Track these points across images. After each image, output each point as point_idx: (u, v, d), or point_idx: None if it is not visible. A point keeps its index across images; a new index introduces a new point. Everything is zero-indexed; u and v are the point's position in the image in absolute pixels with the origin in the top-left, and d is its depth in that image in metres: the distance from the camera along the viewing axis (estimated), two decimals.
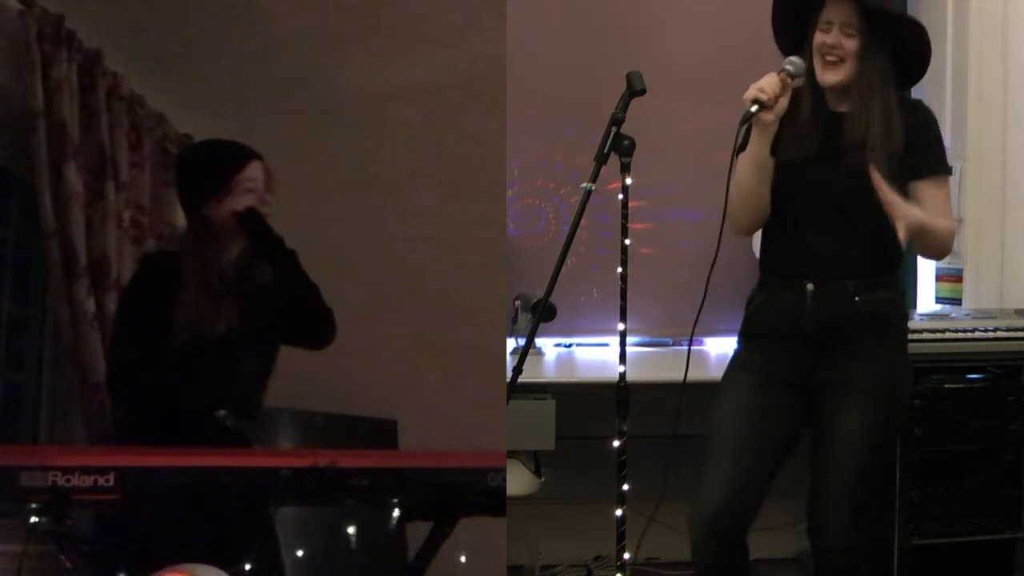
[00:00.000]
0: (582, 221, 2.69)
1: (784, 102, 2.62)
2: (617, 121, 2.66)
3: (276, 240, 2.64)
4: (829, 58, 2.63)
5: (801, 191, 2.68)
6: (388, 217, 3.16)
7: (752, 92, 2.59)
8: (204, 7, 3.00)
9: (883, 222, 2.59)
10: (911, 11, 4.08)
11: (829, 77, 2.64)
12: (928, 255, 2.91)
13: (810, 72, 2.68)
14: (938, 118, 2.83)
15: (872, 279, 2.68)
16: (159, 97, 3.24)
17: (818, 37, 2.65)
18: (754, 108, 2.58)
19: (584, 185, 2.66)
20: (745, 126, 2.63)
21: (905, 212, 2.54)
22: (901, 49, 2.67)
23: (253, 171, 2.68)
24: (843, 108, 2.68)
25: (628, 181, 2.64)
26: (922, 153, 2.69)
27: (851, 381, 2.66)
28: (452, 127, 3.26)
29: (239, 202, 2.64)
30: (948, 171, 2.76)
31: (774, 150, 2.66)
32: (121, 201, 3.00)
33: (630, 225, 2.67)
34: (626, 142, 2.64)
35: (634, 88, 2.67)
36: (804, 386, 2.69)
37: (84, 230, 2.83)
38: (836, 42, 2.62)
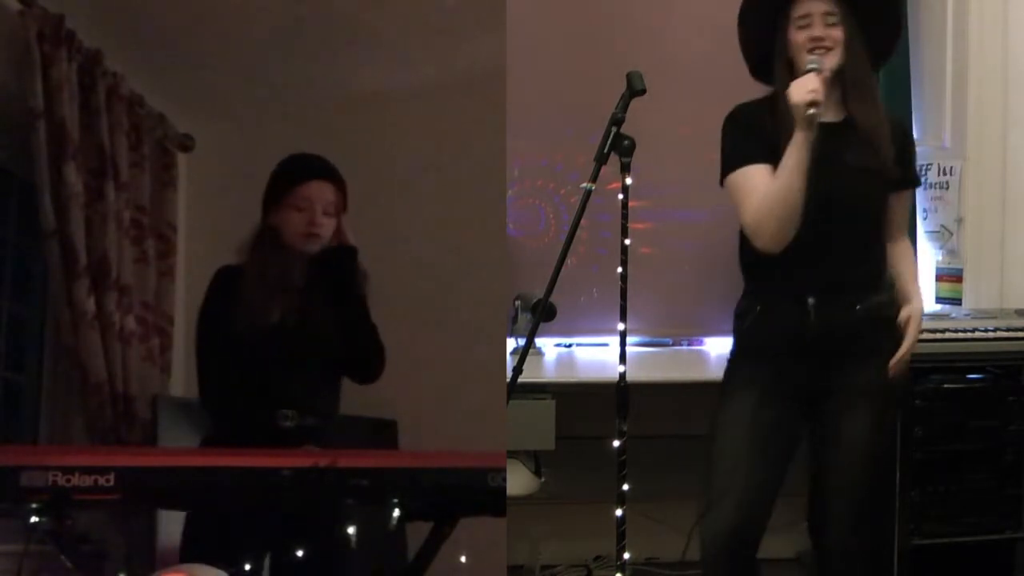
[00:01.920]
0: (582, 221, 2.69)
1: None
2: (617, 121, 2.66)
3: (352, 281, 2.70)
4: (817, 51, 2.55)
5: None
6: (388, 217, 3.15)
7: (806, 95, 2.47)
8: (204, 7, 3.00)
9: (876, 227, 2.62)
10: (911, 11, 4.09)
11: (823, 64, 2.55)
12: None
13: (788, 78, 2.58)
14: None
15: (869, 285, 2.67)
16: (159, 97, 3.24)
17: (798, 35, 2.59)
18: (812, 111, 2.47)
19: (584, 185, 2.66)
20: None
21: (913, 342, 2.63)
22: (874, 25, 2.62)
23: (310, 190, 2.67)
24: (830, 116, 2.60)
25: (628, 181, 2.64)
26: (904, 164, 2.67)
27: (854, 384, 2.65)
28: (452, 127, 3.26)
29: (288, 217, 2.65)
30: (919, 181, 2.75)
31: (772, 162, 2.57)
32: (121, 201, 3.00)
33: (630, 225, 2.67)
34: (626, 142, 2.64)
35: (634, 88, 2.67)
36: (806, 392, 2.68)
37: (84, 230, 2.83)
38: (823, 34, 2.57)
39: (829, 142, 2.56)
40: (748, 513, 2.65)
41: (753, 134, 2.63)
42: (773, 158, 2.56)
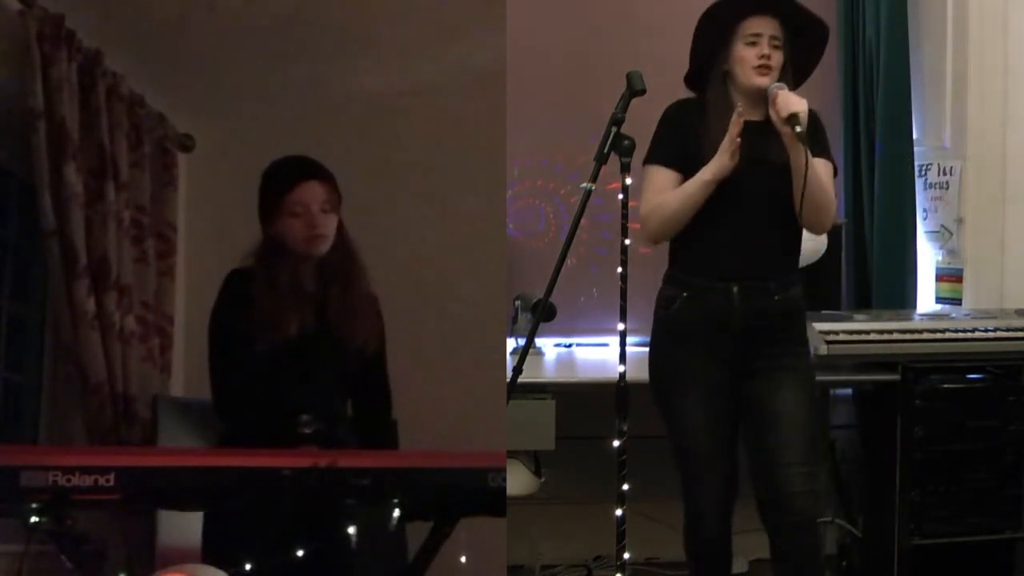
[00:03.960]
0: (582, 221, 2.70)
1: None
2: (617, 121, 2.66)
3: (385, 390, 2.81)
4: (762, 68, 2.75)
5: (726, 198, 2.75)
6: (387, 217, 3.15)
7: (802, 105, 2.68)
8: (204, 8, 3.00)
9: (795, 223, 2.80)
10: (911, 12, 4.09)
11: (763, 82, 2.74)
12: (811, 215, 2.78)
13: (722, 87, 2.81)
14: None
15: (787, 277, 2.85)
16: (159, 97, 3.23)
17: (746, 50, 2.77)
18: (799, 128, 2.66)
19: (584, 185, 2.67)
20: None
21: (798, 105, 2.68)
22: (803, 55, 2.85)
23: (302, 193, 2.65)
24: (755, 116, 2.77)
25: (628, 181, 2.65)
26: (814, 139, 2.78)
27: (775, 364, 2.81)
28: (452, 127, 3.26)
29: (287, 224, 2.64)
30: (832, 158, 2.91)
31: (697, 165, 2.76)
32: (121, 201, 2.99)
33: (630, 225, 2.67)
34: (626, 142, 2.65)
35: (634, 88, 2.67)
36: (734, 378, 2.83)
37: (84, 230, 2.83)
38: (770, 53, 2.76)
39: (754, 140, 2.73)
40: (722, 509, 2.85)
41: (677, 137, 2.83)
42: (684, 165, 2.79)
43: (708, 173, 2.72)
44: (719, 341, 2.79)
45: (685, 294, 2.83)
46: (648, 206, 2.81)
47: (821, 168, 2.78)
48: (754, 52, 2.76)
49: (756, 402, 2.82)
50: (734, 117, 2.67)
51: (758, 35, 2.77)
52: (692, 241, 2.82)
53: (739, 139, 2.67)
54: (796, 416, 2.79)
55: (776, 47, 2.77)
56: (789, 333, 2.84)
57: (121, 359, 2.92)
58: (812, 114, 2.83)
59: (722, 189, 2.74)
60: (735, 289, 2.77)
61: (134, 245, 3.07)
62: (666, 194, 2.79)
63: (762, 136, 2.74)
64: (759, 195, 2.77)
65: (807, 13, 2.83)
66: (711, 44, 2.83)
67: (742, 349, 2.80)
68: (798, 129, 2.64)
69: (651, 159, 2.85)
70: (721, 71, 2.83)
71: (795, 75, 2.83)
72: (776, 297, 2.80)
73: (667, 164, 2.82)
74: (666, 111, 2.89)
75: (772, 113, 2.71)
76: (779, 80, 2.76)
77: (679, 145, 2.82)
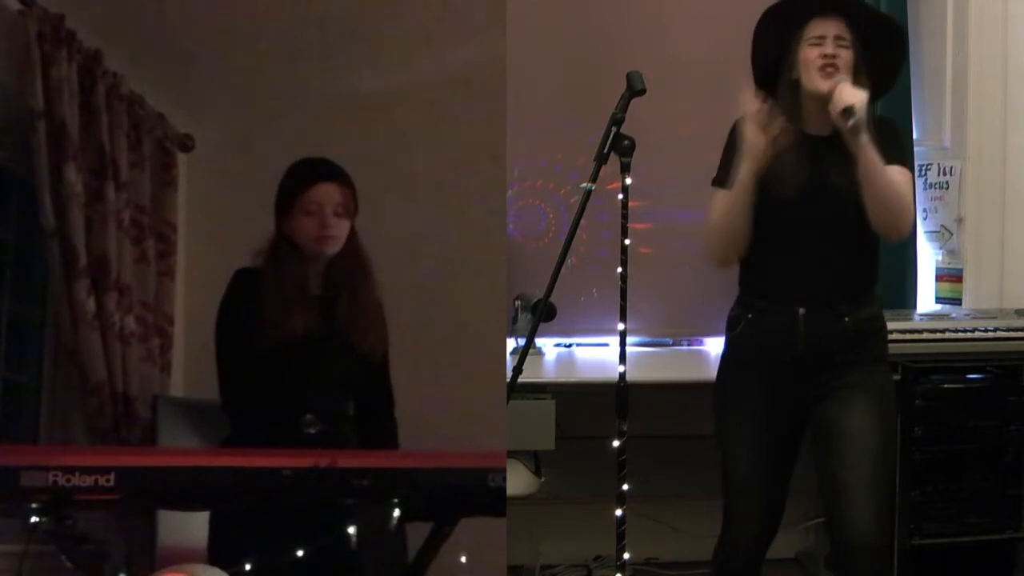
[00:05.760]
0: (582, 221, 2.70)
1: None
2: (617, 121, 2.66)
3: (389, 394, 2.79)
4: (828, 68, 2.63)
5: (791, 219, 2.67)
6: (387, 217, 3.15)
7: (857, 97, 2.56)
8: (204, 8, 3.00)
9: (866, 242, 2.68)
10: (911, 12, 4.09)
11: (827, 85, 2.62)
12: (883, 220, 2.67)
13: (791, 98, 2.68)
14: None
15: (858, 298, 2.72)
16: (159, 97, 3.23)
17: (811, 51, 2.65)
18: (852, 120, 2.54)
19: (584, 185, 2.67)
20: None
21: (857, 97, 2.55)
22: (880, 59, 2.71)
23: (318, 193, 2.68)
24: (824, 131, 2.67)
25: (628, 181, 2.65)
26: (891, 146, 2.68)
27: (848, 384, 2.69)
28: (452, 127, 3.25)
29: (299, 223, 2.67)
30: (913, 167, 2.83)
31: (761, 186, 2.65)
32: (121, 201, 2.99)
33: (630, 225, 2.67)
34: (626, 142, 2.65)
35: (634, 88, 2.67)
36: (800, 403, 2.73)
37: (84, 230, 2.83)
38: (835, 52, 2.63)
39: (818, 157, 2.63)
40: (760, 540, 2.79)
41: (737, 154, 2.68)
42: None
43: (744, 167, 2.62)
44: (781, 368, 2.71)
45: (749, 315, 2.76)
46: (707, 226, 2.74)
47: (896, 173, 2.64)
48: (817, 51, 2.64)
49: (824, 422, 2.72)
50: (764, 107, 2.60)
51: (821, 36, 2.65)
52: (755, 264, 2.76)
53: (763, 111, 2.59)
54: (861, 436, 2.67)
55: (843, 46, 2.65)
56: (862, 353, 2.71)
57: (121, 359, 2.92)
58: (887, 121, 2.76)
59: (784, 211, 2.66)
60: (800, 312, 2.68)
61: (134, 245, 3.07)
62: (720, 207, 2.70)
63: (832, 153, 2.65)
64: (824, 216, 2.67)
65: (874, 11, 2.73)
66: (773, 48, 2.73)
67: (810, 372, 2.70)
68: (851, 122, 2.53)
69: (715, 181, 2.77)
70: (789, 79, 2.70)
71: (874, 80, 2.69)
72: (846, 319, 2.68)
73: (725, 186, 2.72)
74: (733, 126, 2.76)
75: (832, 112, 2.59)
76: (855, 84, 2.62)
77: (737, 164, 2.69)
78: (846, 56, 2.65)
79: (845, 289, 2.71)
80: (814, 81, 2.65)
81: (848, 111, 2.53)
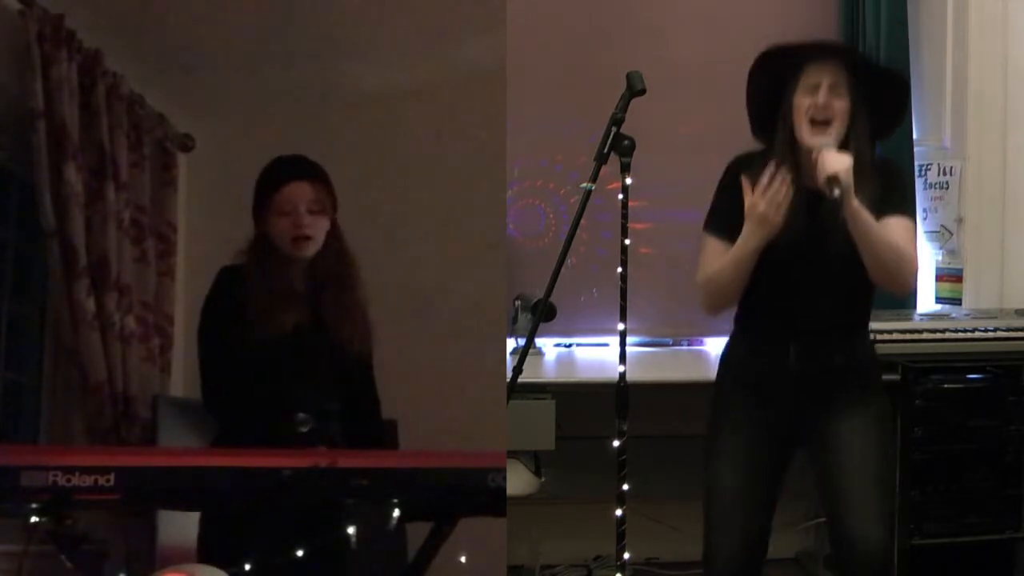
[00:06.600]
0: (582, 221, 2.70)
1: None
2: (617, 121, 2.66)
3: (372, 395, 2.78)
4: (818, 119, 2.55)
5: (787, 264, 2.61)
6: (387, 217, 3.15)
7: (841, 165, 2.45)
8: (204, 8, 3.00)
9: (863, 286, 2.63)
10: (911, 12, 4.09)
11: (818, 140, 2.54)
12: (883, 277, 2.61)
13: (788, 144, 2.59)
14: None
15: (850, 334, 2.71)
16: (159, 97, 3.23)
17: (804, 100, 2.57)
18: (836, 192, 2.44)
19: (584, 185, 2.67)
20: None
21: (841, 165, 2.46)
22: (880, 103, 2.63)
23: (291, 192, 2.65)
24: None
25: (628, 181, 2.65)
26: (889, 194, 2.61)
27: (844, 400, 2.67)
28: (452, 127, 3.25)
29: (275, 223, 2.65)
30: (913, 213, 2.73)
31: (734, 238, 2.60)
32: (121, 201, 2.99)
33: (630, 225, 2.68)
34: (626, 142, 2.65)
35: (634, 88, 2.67)
36: (793, 423, 2.70)
37: (84, 230, 2.83)
38: (827, 103, 2.55)
39: (815, 207, 2.55)
40: (750, 556, 2.72)
41: (734, 205, 2.60)
42: (738, 235, 2.59)
43: (752, 241, 2.55)
44: (772, 401, 2.68)
45: (744, 342, 2.75)
46: (702, 277, 2.71)
47: (895, 228, 2.56)
48: (810, 100, 2.55)
49: (820, 446, 2.69)
50: (777, 179, 2.48)
51: (816, 85, 2.55)
52: (749, 303, 2.71)
53: (783, 199, 2.49)
54: (855, 460, 2.64)
55: (839, 96, 2.55)
56: (855, 390, 2.68)
57: (121, 359, 2.92)
58: (889, 166, 2.70)
59: (781, 258, 2.58)
60: (791, 348, 2.65)
61: (134, 245, 3.07)
62: (717, 264, 2.65)
63: (823, 200, 2.52)
64: (820, 263, 2.61)
65: (875, 63, 2.64)
66: (768, 93, 2.64)
67: (802, 403, 2.67)
68: (836, 193, 2.43)
69: (706, 226, 2.74)
70: (787, 124, 2.61)
71: (873, 126, 2.62)
72: (836, 354, 2.66)
73: (720, 235, 2.68)
74: (727, 169, 2.72)
75: (817, 178, 2.48)
76: (851, 131, 2.55)
77: (736, 215, 2.59)
78: (839, 106, 2.55)
79: (839, 329, 2.69)
80: (802, 135, 2.57)
81: (831, 181, 2.44)
